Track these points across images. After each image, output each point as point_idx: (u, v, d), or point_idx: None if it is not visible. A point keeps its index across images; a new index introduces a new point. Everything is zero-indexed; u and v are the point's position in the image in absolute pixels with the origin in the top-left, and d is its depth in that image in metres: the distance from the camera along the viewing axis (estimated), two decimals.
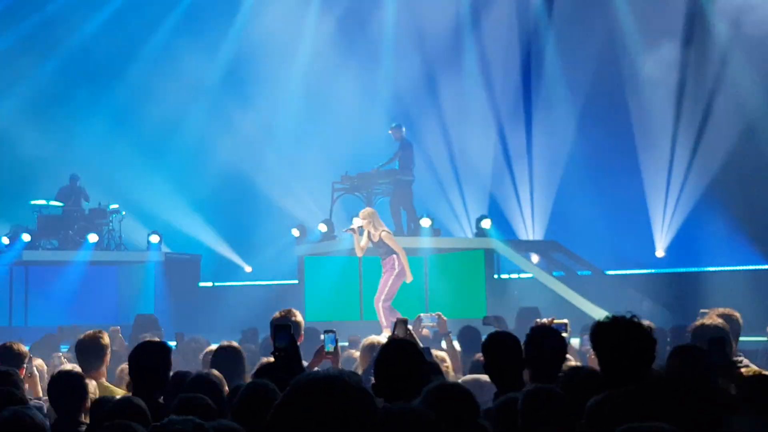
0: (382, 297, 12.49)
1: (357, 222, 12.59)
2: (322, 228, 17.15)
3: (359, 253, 12.89)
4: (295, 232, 17.84)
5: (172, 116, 21.51)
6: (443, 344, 7.95)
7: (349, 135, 20.04)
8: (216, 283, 20.54)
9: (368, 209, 12.93)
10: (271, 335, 5.41)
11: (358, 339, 8.79)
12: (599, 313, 14.22)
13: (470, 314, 15.17)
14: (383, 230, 12.52)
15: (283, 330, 5.14)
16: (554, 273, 16.55)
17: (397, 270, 12.51)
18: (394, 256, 12.54)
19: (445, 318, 8.30)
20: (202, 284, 20.09)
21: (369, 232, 12.52)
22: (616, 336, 4.19)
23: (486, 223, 16.55)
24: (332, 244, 16.85)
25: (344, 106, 20.61)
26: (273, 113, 21.65)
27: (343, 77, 20.69)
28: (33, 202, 18.53)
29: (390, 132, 16.77)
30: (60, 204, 18.64)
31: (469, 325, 9.24)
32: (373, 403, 2.19)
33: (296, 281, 18.03)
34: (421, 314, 8.64)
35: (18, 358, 6.12)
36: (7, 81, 21.79)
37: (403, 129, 16.65)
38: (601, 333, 4.27)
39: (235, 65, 22.07)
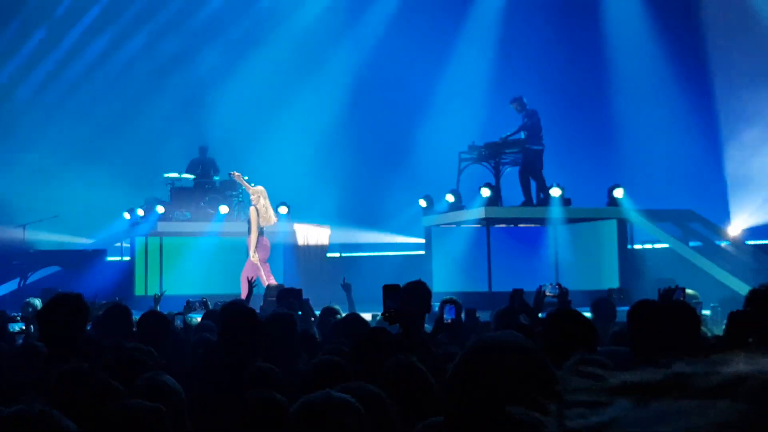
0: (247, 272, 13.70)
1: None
2: (450, 198, 16.99)
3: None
4: (422, 203, 17.73)
5: (302, 89, 21.70)
6: None
7: (477, 103, 19.80)
8: (343, 254, 20.62)
9: (259, 187, 14.61)
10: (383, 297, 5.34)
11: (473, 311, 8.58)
12: (737, 285, 13.68)
13: (602, 285, 14.86)
14: (254, 206, 14.24)
15: (394, 291, 5.01)
16: (691, 243, 16.00)
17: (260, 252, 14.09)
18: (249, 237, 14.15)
19: (565, 288, 8.07)
20: (329, 255, 20.18)
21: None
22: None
23: (618, 192, 16.10)
24: (460, 215, 16.68)
25: (473, 74, 20.37)
26: (401, 83, 21.57)
27: (469, 46, 20.45)
28: (166, 175, 18.92)
29: (512, 105, 16.51)
30: (192, 176, 18.99)
31: (604, 297, 9.06)
32: (547, 363, 2.10)
33: (423, 252, 17.96)
34: (542, 285, 8.44)
35: (162, 324, 6.21)
36: (138, 56, 22.34)
37: (524, 99, 16.34)
38: (755, 302, 4.13)
39: (364, 38, 22.12)
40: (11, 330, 7.59)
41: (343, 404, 2.58)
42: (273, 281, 13.97)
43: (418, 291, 5.56)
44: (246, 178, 18.91)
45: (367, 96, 21.64)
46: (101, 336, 6.09)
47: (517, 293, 7.58)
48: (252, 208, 14.27)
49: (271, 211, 14.52)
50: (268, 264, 14.59)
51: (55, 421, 2.52)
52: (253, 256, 14.17)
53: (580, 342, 4.15)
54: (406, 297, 5.42)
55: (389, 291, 5.15)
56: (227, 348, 4.75)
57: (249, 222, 14.47)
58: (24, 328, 7.57)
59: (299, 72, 22.17)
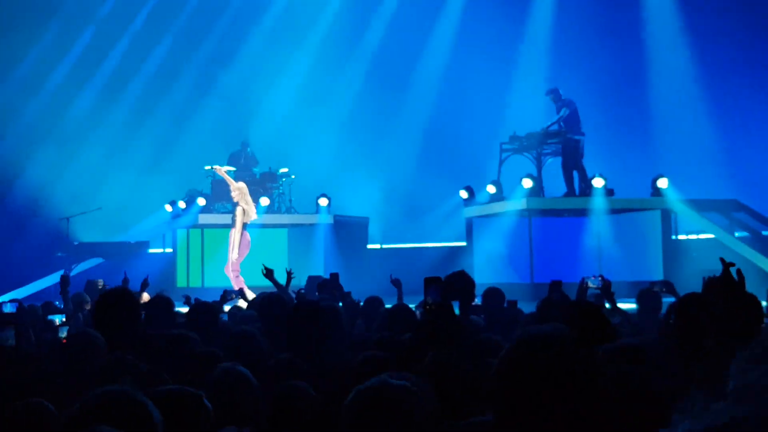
0: (230, 267, 14.64)
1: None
2: (491, 189, 16.87)
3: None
4: (463, 194, 17.63)
5: (342, 81, 21.68)
6: (607, 306, 7.60)
7: (518, 94, 19.66)
8: (384, 245, 20.59)
9: (241, 183, 15.11)
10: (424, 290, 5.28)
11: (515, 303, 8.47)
12: None
13: (646, 276, 14.66)
14: (242, 206, 14.68)
15: (434, 284, 4.95)
16: (737, 233, 15.76)
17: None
18: (232, 230, 14.73)
19: (608, 280, 7.97)
20: (370, 246, 20.18)
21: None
22: None
23: (663, 182, 15.89)
24: (501, 205, 16.56)
25: (514, 64, 20.24)
26: (441, 74, 21.49)
27: (509, 36, 20.33)
28: (206, 167, 19.01)
29: (548, 97, 16.41)
30: (232, 168, 19.05)
31: (648, 289, 8.90)
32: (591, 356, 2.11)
33: (465, 243, 17.86)
34: (585, 277, 8.33)
35: (211, 314, 6.25)
36: (180, 52, 22.46)
37: (560, 90, 16.23)
38: None
39: (405, 31, 22.08)
40: (53, 322, 7.68)
41: (400, 389, 2.56)
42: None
43: (461, 281, 5.47)
44: (286, 170, 19.01)
45: (408, 87, 21.59)
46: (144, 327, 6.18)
47: (556, 285, 7.50)
48: (239, 208, 14.74)
49: (252, 208, 15.02)
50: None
51: (140, 403, 2.59)
52: (233, 253, 14.63)
53: (594, 335, 4.11)
54: (449, 287, 5.34)
55: (430, 283, 5.08)
56: (291, 341, 4.79)
57: (234, 219, 14.90)
58: (65, 319, 7.65)
59: (339, 64, 22.15)
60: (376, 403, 2.51)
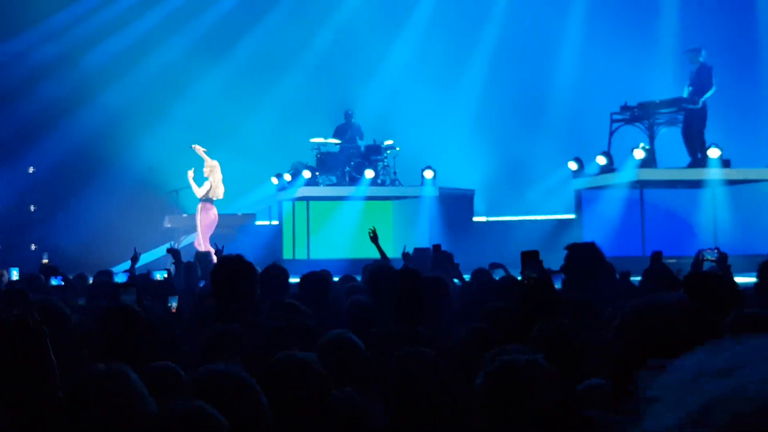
0: (201, 243, 15.21)
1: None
2: (600, 161, 16.43)
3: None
4: (572, 165, 17.23)
5: (448, 51, 21.47)
6: None
7: (629, 62, 19.13)
8: (490, 218, 20.34)
9: (214, 162, 15.83)
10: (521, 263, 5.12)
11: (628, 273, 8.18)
12: None
13: (765, 250, 14.11)
14: (210, 182, 15.50)
15: (533, 258, 4.78)
16: None
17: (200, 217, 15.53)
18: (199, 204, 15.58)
19: (724, 253, 7.68)
20: (476, 219, 19.97)
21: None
22: None
23: None
24: (611, 177, 16.14)
25: (625, 31, 19.70)
26: (550, 42, 21.07)
27: (624, 6, 19.85)
28: (312, 140, 19.08)
29: (687, 55, 15.82)
30: (337, 141, 19.09)
31: None
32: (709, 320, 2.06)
33: (573, 216, 17.50)
34: (701, 249, 8.04)
35: (322, 284, 6.28)
36: (285, 21, 22.50)
37: (703, 52, 15.54)
38: None
39: None
40: (153, 278, 7.87)
41: (532, 366, 2.62)
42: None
43: (589, 254, 5.30)
44: (391, 142, 18.94)
45: (515, 57, 21.22)
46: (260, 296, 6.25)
47: (656, 256, 7.32)
48: (206, 183, 15.56)
49: (221, 187, 15.75)
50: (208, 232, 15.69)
51: (242, 379, 2.71)
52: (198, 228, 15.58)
53: (722, 304, 3.93)
54: (575, 259, 5.18)
55: (528, 258, 4.91)
56: (399, 311, 4.75)
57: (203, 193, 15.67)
58: (166, 276, 7.90)
59: (444, 34, 21.91)
60: (512, 382, 2.58)
